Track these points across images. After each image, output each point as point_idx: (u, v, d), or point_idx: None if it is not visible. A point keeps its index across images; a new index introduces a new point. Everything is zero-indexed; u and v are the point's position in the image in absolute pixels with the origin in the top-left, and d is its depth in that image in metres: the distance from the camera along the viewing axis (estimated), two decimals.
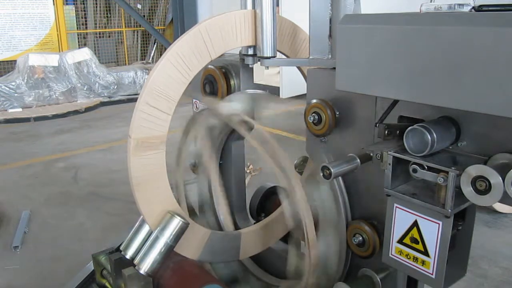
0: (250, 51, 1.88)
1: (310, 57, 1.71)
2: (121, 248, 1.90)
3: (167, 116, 1.73)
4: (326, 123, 1.62)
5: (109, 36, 11.63)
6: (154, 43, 12.08)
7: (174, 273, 1.92)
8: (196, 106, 2.30)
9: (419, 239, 1.30)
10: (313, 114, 1.64)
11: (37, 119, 7.68)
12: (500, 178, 1.08)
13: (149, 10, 12.11)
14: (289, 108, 7.99)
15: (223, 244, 2.04)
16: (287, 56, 2.06)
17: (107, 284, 2.17)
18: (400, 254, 1.36)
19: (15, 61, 8.91)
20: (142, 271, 1.74)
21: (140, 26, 11.39)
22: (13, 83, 8.15)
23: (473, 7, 1.23)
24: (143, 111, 1.67)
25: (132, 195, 1.72)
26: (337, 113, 1.62)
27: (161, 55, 2.47)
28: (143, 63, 10.89)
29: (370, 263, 1.62)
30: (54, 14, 10.19)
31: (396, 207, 1.33)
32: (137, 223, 1.89)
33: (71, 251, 3.38)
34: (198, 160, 2.22)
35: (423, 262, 1.31)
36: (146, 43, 12.24)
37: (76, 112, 8.14)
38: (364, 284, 1.58)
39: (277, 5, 2.07)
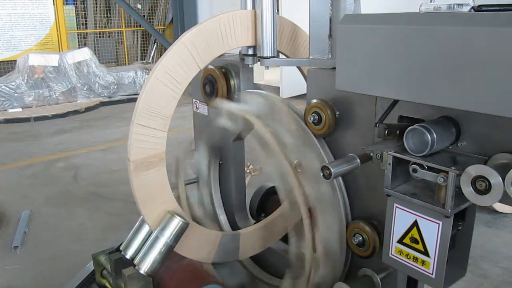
0: (250, 51, 1.88)
1: (310, 57, 1.71)
2: (121, 248, 1.91)
3: (162, 133, 1.72)
4: (326, 123, 1.62)
5: (109, 36, 11.63)
6: (154, 43, 12.08)
7: (174, 273, 1.92)
8: (196, 106, 2.30)
9: (419, 239, 1.30)
10: (313, 114, 1.64)
11: (37, 119, 7.67)
12: (500, 178, 1.07)
13: (149, 10, 12.10)
14: None
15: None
16: (287, 56, 2.06)
17: (107, 284, 2.18)
18: (400, 254, 1.36)
19: (15, 61, 8.90)
20: (142, 271, 1.74)
21: (140, 26, 11.39)
22: (13, 83, 8.15)
23: (473, 7, 1.23)
24: (138, 132, 1.67)
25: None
26: (337, 113, 1.62)
27: (161, 55, 2.47)
28: (143, 63, 10.89)
29: (370, 263, 1.62)
30: (54, 14, 10.19)
31: (396, 207, 1.33)
32: (137, 223, 1.89)
33: (71, 251, 3.38)
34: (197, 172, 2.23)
35: (423, 262, 1.31)
36: (146, 43, 12.24)
37: (76, 112, 8.13)
38: (364, 284, 1.58)
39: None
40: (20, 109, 8.10)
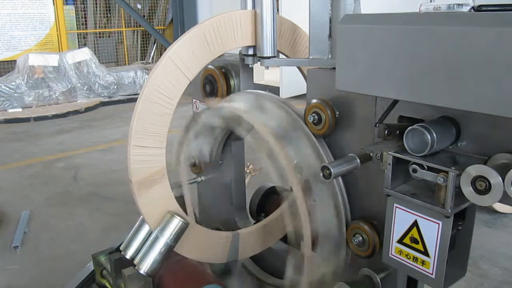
0: (250, 51, 1.88)
1: (310, 57, 1.71)
2: (121, 248, 1.91)
3: (160, 149, 1.73)
4: (326, 123, 1.62)
5: (109, 36, 11.63)
6: (154, 43, 12.08)
7: (174, 273, 1.92)
8: (196, 106, 2.30)
9: (419, 239, 1.30)
10: (313, 114, 1.64)
11: (37, 119, 7.68)
12: (500, 178, 1.07)
13: (149, 10, 12.11)
14: None
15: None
16: (287, 56, 2.06)
17: (107, 284, 2.18)
18: (400, 254, 1.36)
19: (15, 61, 8.91)
20: (142, 271, 1.74)
21: (140, 26, 11.39)
22: (13, 83, 8.15)
23: (472, 7, 1.23)
24: (136, 154, 1.67)
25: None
26: (337, 113, 1.62)
27: (161, 55, 2.46)
28: (143, 63, 10.89)
29: (370, 263, 1.62)
30: (54, 14, 10.19)
31: (396, 207, 1.33)
32: (137, 223, 1.89)
33: (71, 251, 3.38)
34: (198, 159, 2.22)
35: (423, 262, 1.31)
36: (146, 43, 12.24)
37: (76, 112, 8.14)
38: (364, 284, 1.58)
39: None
40: (20, 109, 8.11)
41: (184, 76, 1.74)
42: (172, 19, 11.19)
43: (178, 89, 1.74)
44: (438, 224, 1.24)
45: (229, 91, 2.05)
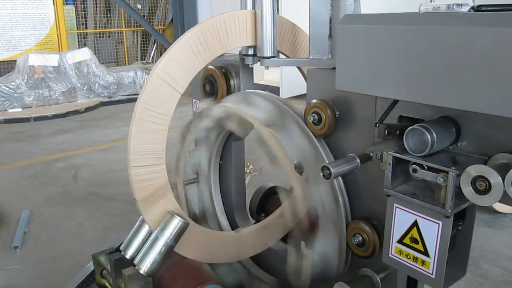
0: (250, 51, 1.88)
1: (310, 57, 1.71)
2: (121, 248, 1.91)
3: (160, 165, 1.73)
4: (326, 123, 1.62)
5: (109, 36, 11.63)
6: (154, 43, 12.08)
7: (174, 273, 1.92)
8: (196, 106, 2.30)
9: (419, 239, 1.30)
10: (313, 114, 1.64)
11: (37, 119, 7.68)
12: (500, 178, 1.07)
13: (149, 10, 12.11)
14: None
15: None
16: (287, 56, 2.06)
17: (107, 284, 2.18)
18: (400, 254, 1.36)
19: (15, 61, 8.91)
20: (142, 271, 1.74)
21: (140, 26, 11.39)
22: (13, 83, 8.15)
23: (472, 7, 1.23)
24: (137, 174, 1.68)
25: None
26: (337, 113, 1.62)
27: (161, 55, 2.45)
28: (143, 63, 10.89)
29: (370, 263, 1.62)
30: (54, 14, 10.19)
31: (396, 207, 1.33)
32: (137, 223, 1.89)
33: (71, 251, 3.38)
34: (197, 168, 2.23)
35: (423, 262, 1.31)
36: (146, 43, 12.24)
37: (76, 112, 8.14)
38: (364, 284, 1.58)
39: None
40: (20, 109, 8.11)
41: (175, 90, 1.73)
42: (172, 19, 11.19)
43: (170, 104, 1.73)
44: (438, 224, 1.24)
45: (229, 91, 2.05)
